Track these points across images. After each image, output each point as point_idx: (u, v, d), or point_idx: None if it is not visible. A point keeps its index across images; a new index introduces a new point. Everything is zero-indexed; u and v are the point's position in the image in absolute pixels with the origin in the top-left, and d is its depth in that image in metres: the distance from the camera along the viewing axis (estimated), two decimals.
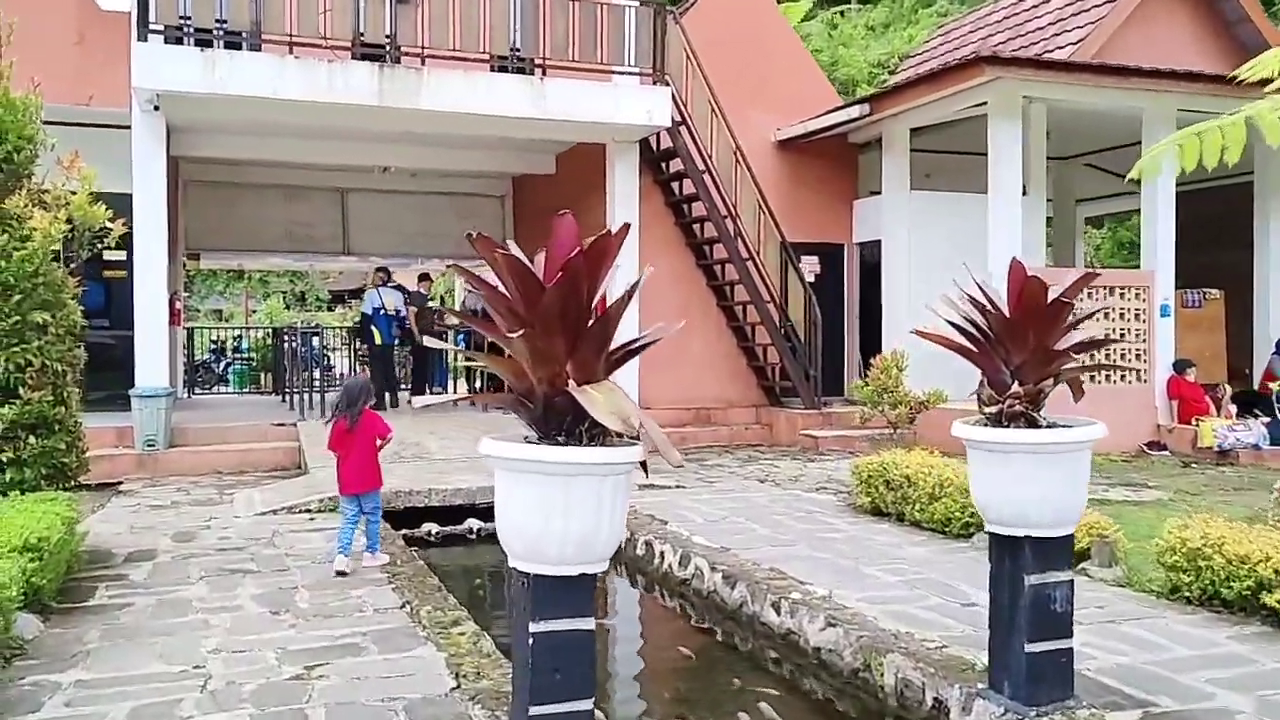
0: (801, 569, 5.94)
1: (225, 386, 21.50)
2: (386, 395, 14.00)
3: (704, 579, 6.15)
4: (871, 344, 14.34)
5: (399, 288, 14.84)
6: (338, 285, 34.35)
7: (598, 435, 3.36)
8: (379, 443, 6.65)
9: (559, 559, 3.27)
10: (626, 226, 3.65)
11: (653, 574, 6.81)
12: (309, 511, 8.14)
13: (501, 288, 3.46)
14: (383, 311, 14.22)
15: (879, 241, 13.25)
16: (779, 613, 5.37)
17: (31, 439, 5.85)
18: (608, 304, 3.53)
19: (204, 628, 4.97)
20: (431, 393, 13.88)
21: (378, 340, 14.03)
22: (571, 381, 3.33)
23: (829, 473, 9.99)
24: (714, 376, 13.07)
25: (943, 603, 5.29)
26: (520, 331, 3.33)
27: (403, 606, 5.36)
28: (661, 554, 6.74)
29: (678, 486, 9.06)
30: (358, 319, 16.06)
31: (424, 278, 13.61)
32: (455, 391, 15.21)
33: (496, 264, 3.41)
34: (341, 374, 18.95)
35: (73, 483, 6.35)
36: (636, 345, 3.67)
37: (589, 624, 3.33)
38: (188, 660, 4.48)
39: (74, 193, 6.24)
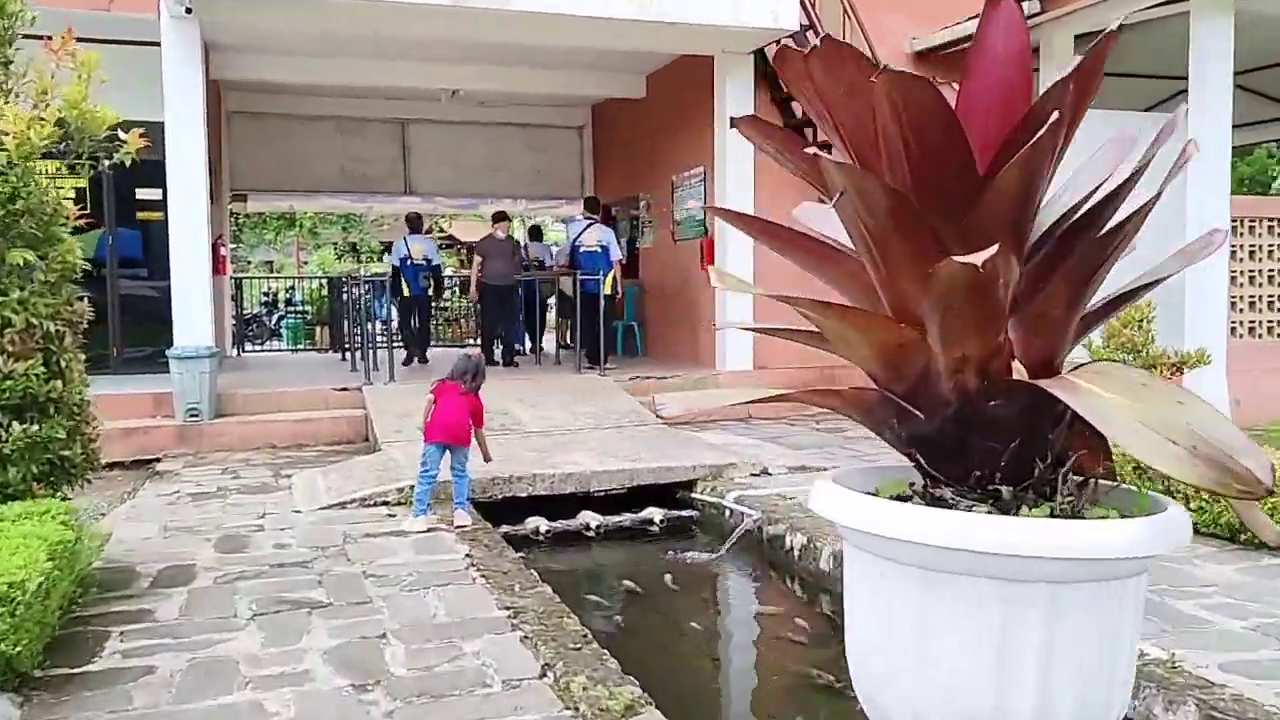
0: None
1: (278, 342, 20.08)
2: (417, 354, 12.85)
3: None
4: None
5: (429, 233, 13.60)
6: (391, 234, 32.84)
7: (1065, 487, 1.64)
8: (478, 430, 6.05)
9: None
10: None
11: None
12: (386, 504, 6.49)
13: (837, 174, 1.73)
14: (409, 261, 12.82)
15: None
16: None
17: (15, 425, 4.19)
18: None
19: (257, 717, 3.31)
20: (513, 351, 12.17)
21: (405, 292, 12.68)
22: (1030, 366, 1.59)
23: None
24: None
25: None
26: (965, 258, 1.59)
27: (542, 674, 3.66)
28: None
29: (835, 468, 7.27)
30: (389, 271, 14.57)
31: (500, 216, 11.81)
32: (533, 347, 13.46)
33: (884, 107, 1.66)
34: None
35: (80, 481, 4.70)
36: (1136, 288, 1.91)
37: None
38: None
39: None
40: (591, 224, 11.51)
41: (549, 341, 14.39)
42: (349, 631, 4.11)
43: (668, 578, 5.66)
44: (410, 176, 15.24)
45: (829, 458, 7.77)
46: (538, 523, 6.54)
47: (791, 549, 5.62)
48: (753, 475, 7.09)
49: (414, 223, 13.62)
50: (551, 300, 16.29)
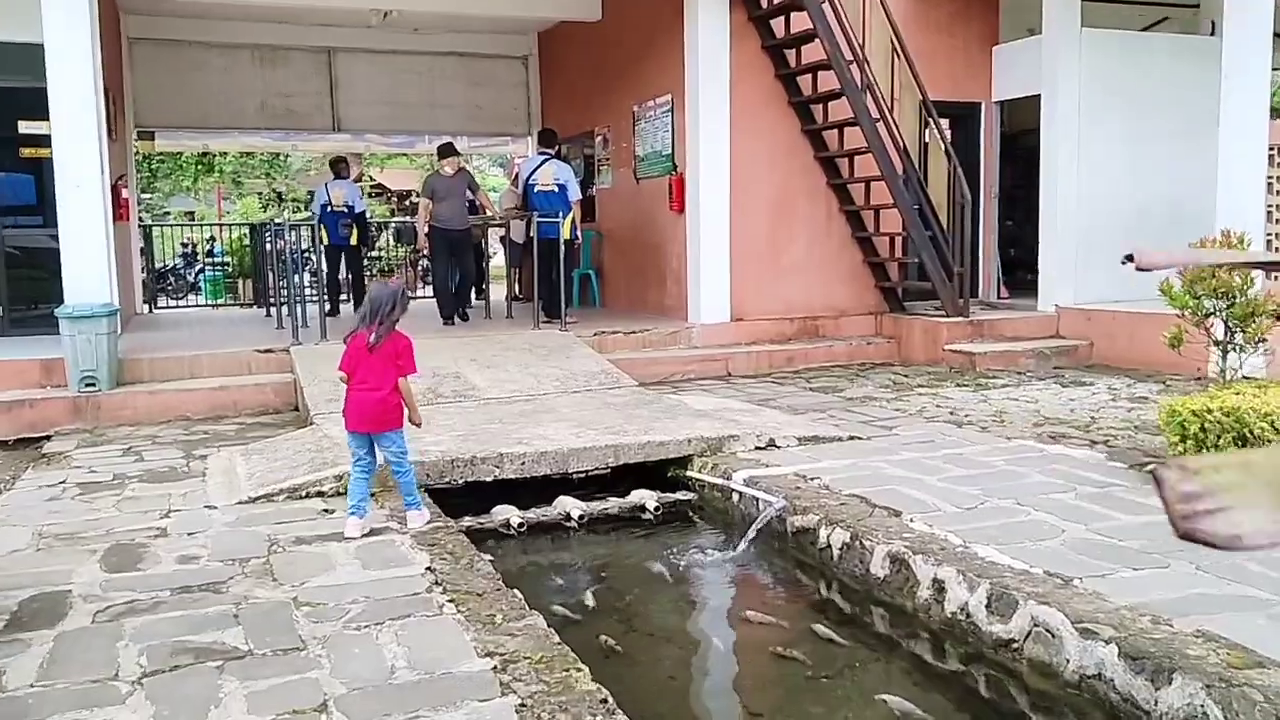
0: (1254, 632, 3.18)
1: (199, 296, 18.48)
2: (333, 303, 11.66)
3: (1059, 647, 3.37)
4: (1016, 238, 11.47)
5: (357, 180, 12.34)
6: (319, 181, 30.83)
7: None
8: (403, 380, 4.75)
9: None
10: None
11: (917, 615, 4.03)
12: (321, 494, 5.33)
13: None
14: (330, 207, 11.81)
15: (1034, 100, 10.25)
16: None
17: None
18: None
19: None
20: (466, 304, 10.89)
21: (324, 241, 11.50)
22: None
23: (1036, 407, 7.20)
24: (822, 277, 10.19)
25: None
26: None
27: None
28: (937, 585, 3.94)
29: (852, 438, 6.25)
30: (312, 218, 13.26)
31: (448, 150, 10.37)
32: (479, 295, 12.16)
33: None
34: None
35: None
36: None
37: None
38: None
39: None
40: (547, 160, 10.26)
41: (496, 293, 13.15)
42: (275, 701, 2.97)
43: (679, 589, 4.61)
44: (339, 112, 13.77)
45: (837, 424, 6.74)
46: (509, 513, 5.43)
47: (829, 547, 4.57)
48: (758, 449, 6.03)
49: (337, 167, 12.51)
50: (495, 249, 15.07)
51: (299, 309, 9.48)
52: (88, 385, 7.76)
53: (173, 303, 16.63)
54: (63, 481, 5.88)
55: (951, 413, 7.10)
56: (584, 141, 12.96)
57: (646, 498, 5.66)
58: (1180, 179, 9.81)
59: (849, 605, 4.35)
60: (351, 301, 12.09)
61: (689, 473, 5.90)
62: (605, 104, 11.99)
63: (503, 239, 13.10)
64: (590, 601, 4.44)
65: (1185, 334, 5.22)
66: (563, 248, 9.58)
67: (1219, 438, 4.72)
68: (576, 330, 9.50)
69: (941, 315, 9.68)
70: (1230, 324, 4.87)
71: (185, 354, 8.58)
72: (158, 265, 19.97)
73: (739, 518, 5.37)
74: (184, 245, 21.71)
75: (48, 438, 7.41)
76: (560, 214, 9.67)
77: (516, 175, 11.14)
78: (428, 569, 4.13)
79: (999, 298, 11.03)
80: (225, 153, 26.52)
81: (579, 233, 10.33)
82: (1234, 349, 5.05)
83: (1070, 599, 3.52)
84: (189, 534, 4.73)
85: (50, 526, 4.89)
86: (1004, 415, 6.95)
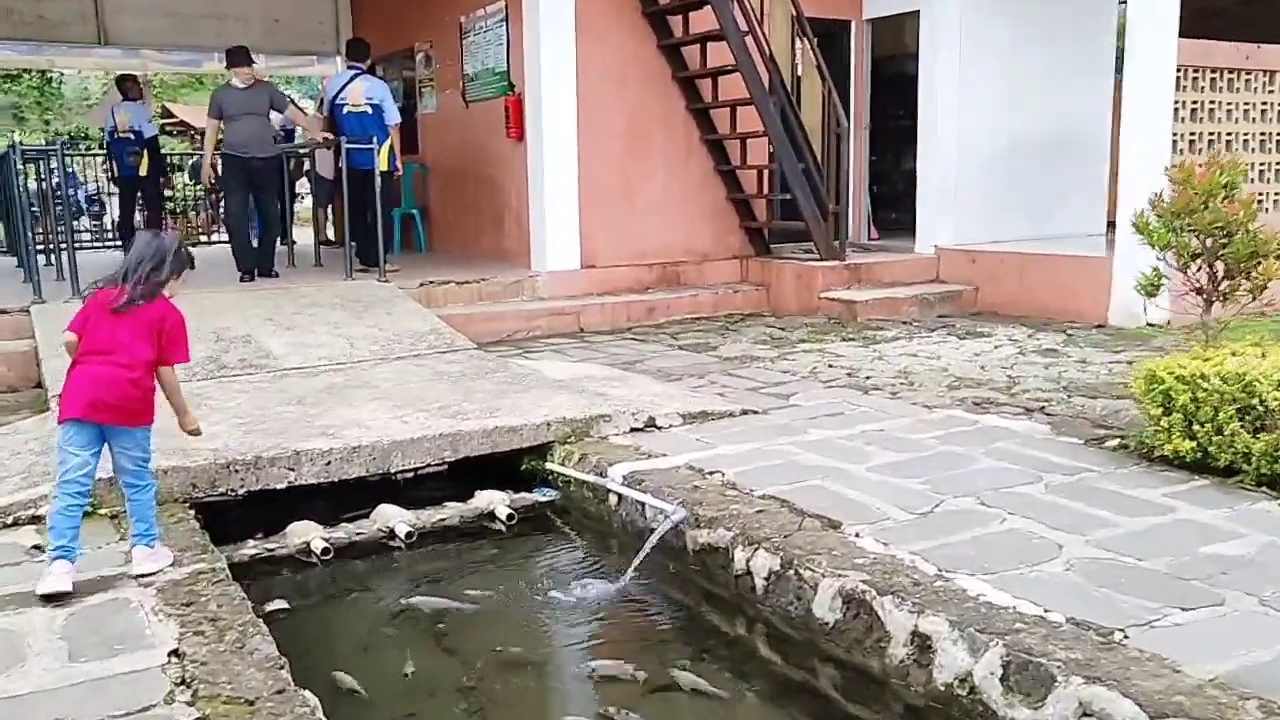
0: None
1: None
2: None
3: None
4: (890, 173, 10.54)
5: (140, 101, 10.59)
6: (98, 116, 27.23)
7: None
8: (166, 370, 3.32)
9: None
10: None
11: (890, 682, 2.88)
12: (36, 520, 3.79)
13: None
14: (116, 134, 10.25)
15: (908, 18, 9.27)
16: None
17: None
18: None
19: None
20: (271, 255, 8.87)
21: (115, 174, 10.31)
22: None
23: (940, 364, 6.23)
24: (683, 217, 8.98)
25: None
26: None
27: None
28: (920, 642, 2.79)
29: (745, 412, 5.09)
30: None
31: (239, 56, 8.35)
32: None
33: None
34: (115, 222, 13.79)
35: None
36: None
37: None
38: None
39: None
40: (358, 75, 8.61)
41: (301, 237, 11.38)
42: None
43: (547, 647, 3.35)
44: (104, 22, 11.56)
45: (722, 393, 5.58)
46: (309, 534, 4.03)
47: (748, 575, 3.39)
48: (634, 430, 4.80)
49: (124, 85, 10.63)
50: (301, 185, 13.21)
51: (61, 258, 7.60)
52: None
53: None
54: None
55: (849, 374, 6.04)
56: (402, 62, 11.30)
57: (496, 502, 4.36)
58: (1072, 111, 9.05)
59: (787, 661, 3.18)
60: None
61: (550, 465, 4.62)
62: (426, 16, 10.38)
63: (307, 173, 11.34)
64: (410, 668, 3.12)
65: (1163, 280, 4.24)
66: (379, 181, 8.01)
67: (1217, 411, 3.76)
68: (398, 280, 8.01)
69: (814, 259, 8.65)
70: (1231, 266, 3.91)
71: None
72: None
73: (618, 525, 4.14)
74: None
75: None
76: (375, 140, 8.08)
77: (322, 99, 9.44)
78: (173, 655, 2.73)
79: (869, 239, 10.11)
80: None
81: (399, 164, 8.76)
82: (1221, 299, 4.10)
83: (1126, 669, 2.44)
84: None
85: None
86: (909, 376, 5.94)
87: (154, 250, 3.31)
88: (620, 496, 4.13)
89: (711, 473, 4.10)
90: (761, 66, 8.33)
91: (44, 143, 25.58)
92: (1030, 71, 8.90)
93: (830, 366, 6.27)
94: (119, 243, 12.24)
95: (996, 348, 6.78)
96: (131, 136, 10.31)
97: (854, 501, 3.69)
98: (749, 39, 8.20)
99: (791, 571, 3.22)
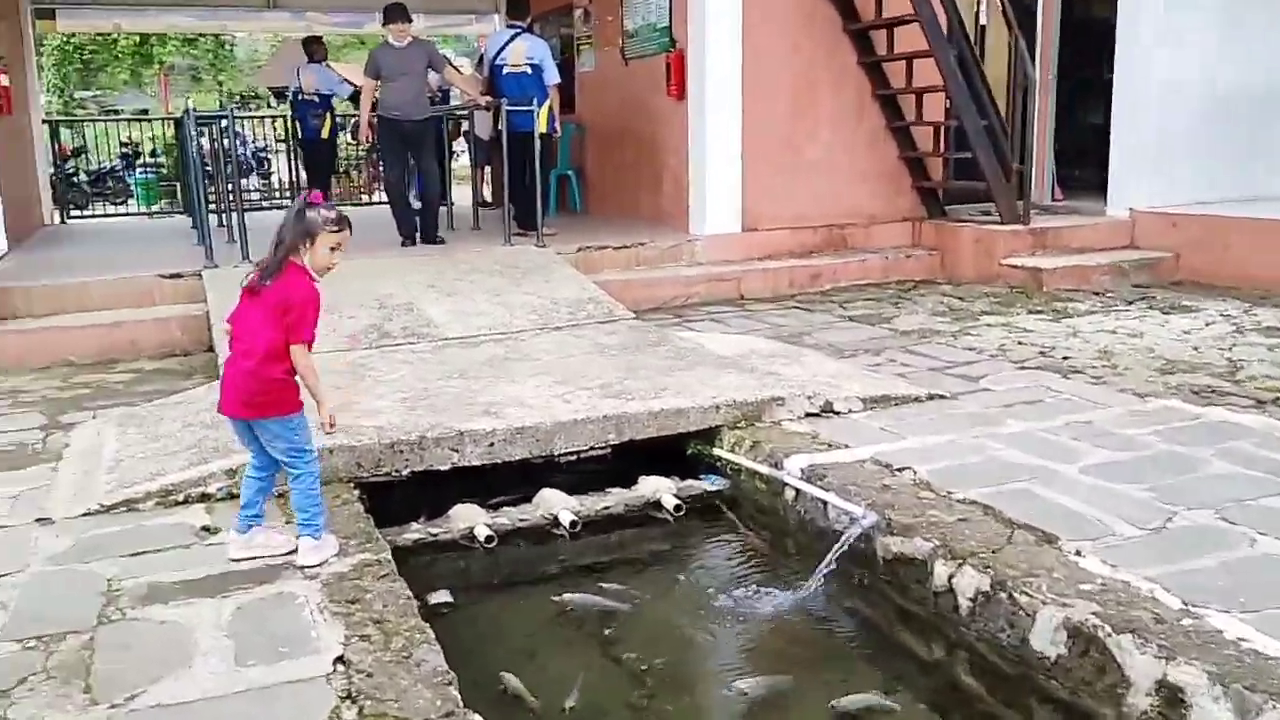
0: None
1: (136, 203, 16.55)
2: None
3: None
4: (1077, 128, 9.77)
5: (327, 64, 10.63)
6: (271, 77, 28.06)
7: None
8: (295, 351, 3.05)
9: None
10: None
11: None
12: (206, 499, 3.76)
13: None
14: (300, 96, 10.31)
15: None
16: None
17: None
18: None
19: None
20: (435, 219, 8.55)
21: (299, 135, 10.46)
22: None
23: (1146, 343, 5.66)
24: (849, 177, 8.50)
25: None
26: None
27: None
28: (1169, 695, 2.40)
29: (932, 397, 4.69)
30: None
31: (397, 12, 7.99)
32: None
33: None
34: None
35: None
36: None
37: None
38: None
39: None
40: (518, 34, 8.41)
41: (460, 198, 11.36)
42: None
43: (726, 666, 3.10)
44: None
45: (905, 372, 5.19)
46: (473, 519, 3.88)
47: (951, 593, 3.04)
48: (810, 415, 4.47)
49: (310, 48, 10.72)
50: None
51: (234, 220, 7.67)
52: None
53: (98, 211, 14.70)
54: None
55: (1042, 353, 5.55)
56: (560, 19, 11.07)
57: (662, 490, 4.12)
58: None
59: (995, 697, 2.84)
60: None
61: (719, 451, 4.35)
62: None
63: (466, 134, 11.27)
64: (573, 701, 2.90)
65: None
66: (538, 143, 7.82)
67: None
68: (556, 245, 7.84)
69: (995, 222, 8.06)
70: None
71: (70, 281, 6.88)
72: (95, 167, 18.10)
73: (795, 523, 3.84)
74: (124, 145, 19.70)
75: None
76: (535, 101, 7.88)
77: (481, 58, 9.29)
78: (339, 662, 2.58)
79: (1054, 200, 9.41)
80: (165, 42, 24.19)
81: (557, 124, 8.56)
82: None
83: None
84: None
85: None
86: (1111, 357, 5.41)
87: (284, 220, 3.10)
88: (798, 491, 3.82)
89: (901, 469, 3.75)
90: (941, 15, 7.75)
91: (219, 103, 26.69)
92: (1246, 19, 8.03)
93: (1020, 344, 5.78)
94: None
95: (1208, 325, 6.14)
96: (316, 99, 10.42)
97: (1069, 510, 3.29)
98: None
99: (1004, 594, 2.86)
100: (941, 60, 7.66)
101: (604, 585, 3.54)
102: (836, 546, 3.36)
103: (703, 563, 3.80)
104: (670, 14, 8.52)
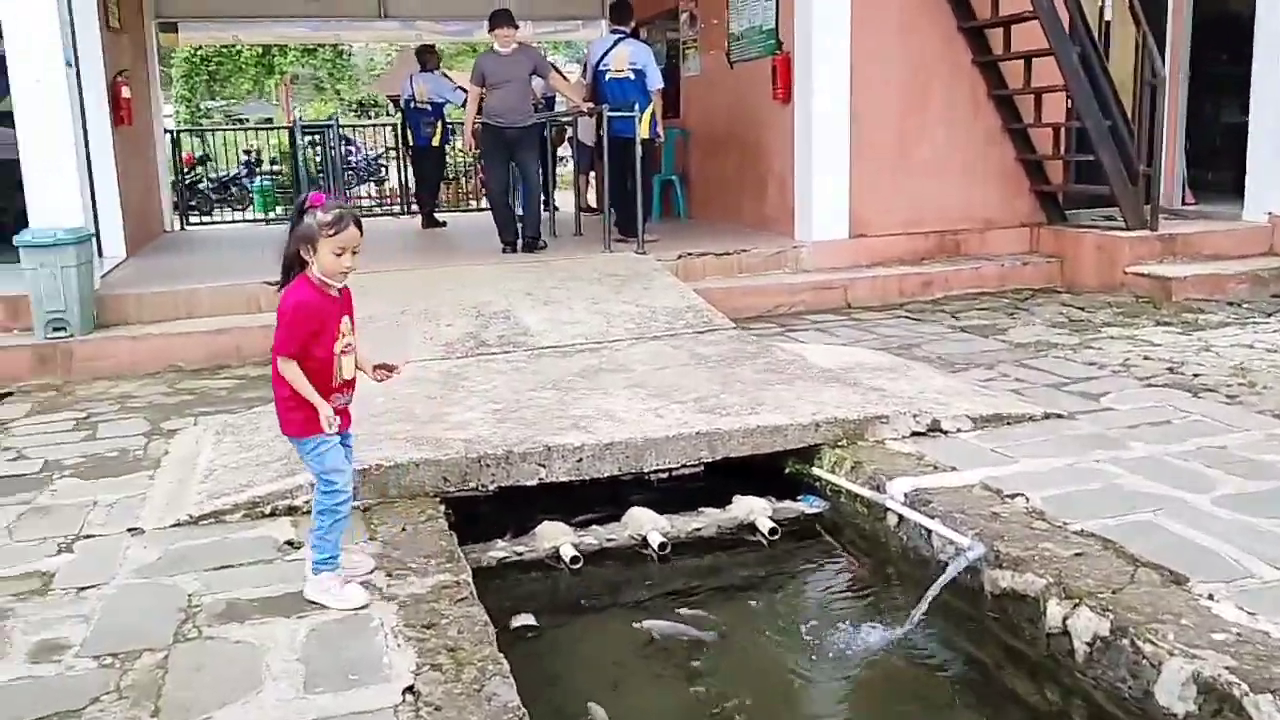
0: None
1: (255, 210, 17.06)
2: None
3: None
4: (1208, 128, 9.23)
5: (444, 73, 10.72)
6: (389, 84, 28.58)
7: None
8: (279, 361, 2.90)
9: None
10: None
11: None
12: (293, 511, 3.73)
13: None
14: (414, 103, 10.42)
15: None
16: None
17: None
18: None
19: None
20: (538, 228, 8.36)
21: (410, 142, 10.59)
22: None
23: None
24: (963, 181, 8.17)
25: None
26: None
27: None
28: None
29: (1048, 416, 4.40)
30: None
31: (502, 19, 8.00)
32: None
33: None
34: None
35: None
36: None
37: None
38: None
39: None
40: (621, 40, 8.32)
41: (562, 204, 11.32)
42: None
43: (847, 714, 2.91)
44: None
45: (1020, 388, 4.89)
46: (559, 539, 3.76)
47: (1066, 635, 2.79)
48: (916, 434, 4.23)
49: (423, 57, 10.86)
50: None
51: None
52: (56, 330, 6.30)
53: (217, 218, 15.18)
54: None
55: (1170, 369, 5.18)
56: (666, 23, 10.96)
57: (757, 511, 3.94)
58: None
59: None
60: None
61: (818, 471, 4.14)
62: None
63: (569, 139, 11.24)
64: None
65: None
66: (640, 149, 7.70)
67: None
68: (657, 251, 7.71)
69: (1119, 227, 7.63)
70: None
71: (180, 288, 7.03)
72: (219, 174, 18.78)
73: (898, 550, 3.62)
74: (246, 153, 20.38)
75: (9, 394, 5.98)
76: (637, 107, 7.77)
77: (585, 64, 9.23)
78: (408, 692, 2.48)
79: (1184, 204, 8.88)
80: (286, 52, 24.93)
81: (660, 130, 8.42)
82: None
83: None
84: (80, 589, 3.16)
85: None
86: (1248, 374, 5.01)
87: (290, 229, 2.92)
88: (900, 517, 3.60)
89: (1012, 495, 3.49)
90: (1063, 11, 7.37)
91: (338, 111, 27.41)
92: None
93: (1146, 359, 5.41)
94: (408, 210, 12.72)
95: None
96: (428, 107, 10.53)
97: (1200, 547, 3.00)
98: None
99: (1125, 641, 2.60)
100: (1062, 58, 7.28)
101: (692, 612, 3.38)
102: (940, 579, 3.13)
103: (798, 591, 3.61)
104: (777, 16, 8.31)
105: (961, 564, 3.11)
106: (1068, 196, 8.32)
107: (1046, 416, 4.38)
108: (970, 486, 3.61)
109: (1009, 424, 4.30)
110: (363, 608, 2.92)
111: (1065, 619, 2.80)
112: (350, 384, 3.00)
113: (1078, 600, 2.79)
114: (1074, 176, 8.26)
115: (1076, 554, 3.01)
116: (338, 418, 2.87)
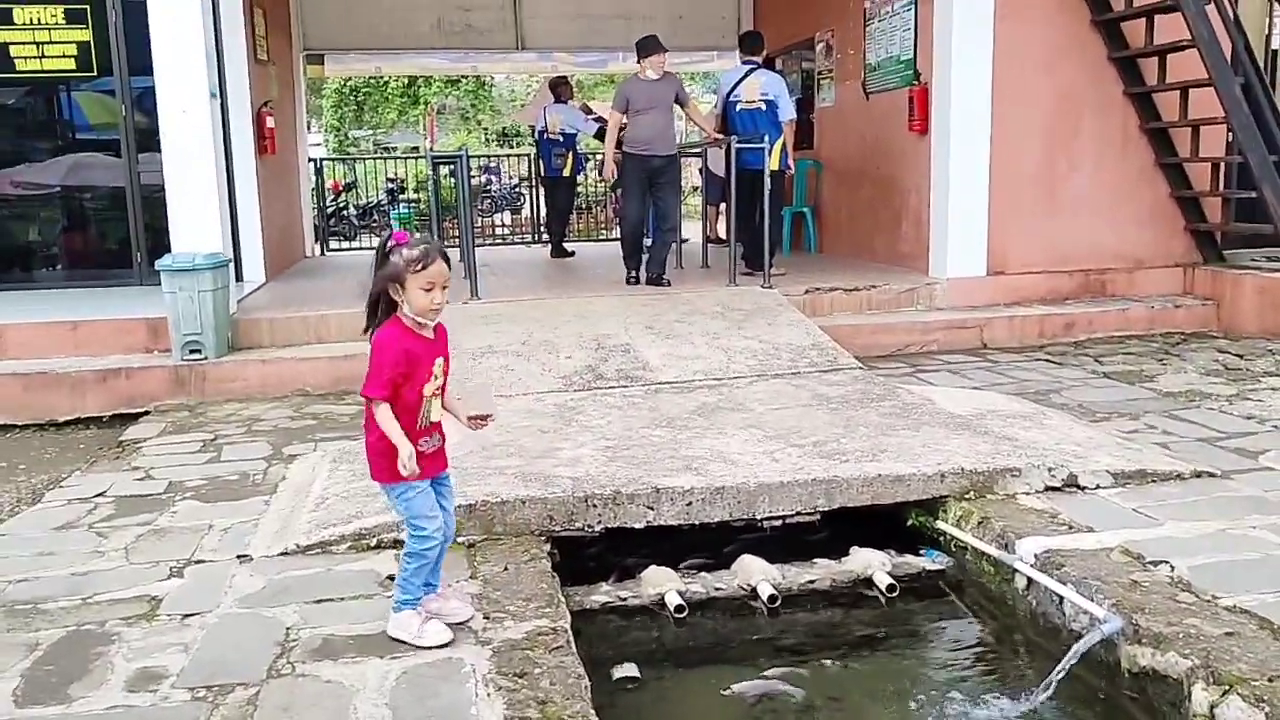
0: None
1: None
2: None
3: None
4: None
5: (585, 106, 10.75)
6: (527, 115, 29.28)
7: None
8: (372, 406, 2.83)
9: None
10: None
11: None
12: (398, 544, 3.65)
13: None
14: (546, 135, 10.49)
15: None
16: None
17: None
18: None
19: None
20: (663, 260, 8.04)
21: (542, 173, 10.76)
22: None
23: None
24: (1111, 217, 7.75)
25: None
26: None
27: None
28: None
29: (1199, 474, 4.05)
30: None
31: (651, 46, 7.77)
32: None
33: None
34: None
35: None
36: None
37: None
38: None
39: None
40: (753, 70, 8.19)
41: (689, 232, 11.22)
42: None
43: None
44: (522, 28, 12.16)
45: (1168, 442, 4.54)
46: (666, 584, 3.62)
47: None
48: (1050, 489, 3.95)
49: (556, 89, 10.98)
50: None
51: (470, 257, 7.82)
52: (192, 352, 6.50)
53: (358, 244, 15.68)
54: (101, 493, 4.52)
55: None
56: (801, 53, 10.80)
57: (874, 565, 3.72)
58: None
59: None
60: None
61: (942, 525, 3.90)
62: (829, 3, 9.78)
63: (700, 170, 11.17)
64: None
65: None
66: (769, 181, 7.55)
67: None
68: (784, 285, 7.52)
69: None
70: None
71: (310, 313, 7.19)
72: (363, 202, 19.47)
73: (1026, 616, 3.36)
74: (390, 181, 21.07)
75: (145, 413, 6.21)
76: (768, 138, 7.62)
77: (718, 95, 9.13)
78: None
79: None
80: (430, 83, 25.71)
81: (790, 162, 8.25)
82: None
83: None
84: (185, 616, 3.18)
85: (18, 585, 3.46)
86: None
87: (376, 267, 2.80)
88: (1030, 580, 3.33)
89: (1156, 563, 3.20)
90: (1225, 39, 6.92)
91: (482, 142, 28.11)
92: None
93: None
94: (538, 239, 12.88)
95: None
96: (560, 138, 10.60)
97: None
98: (1210, 6, 6.83)
99: None
100: (1223, 89, 6.83)
101: (798, 672, 3.19)
102: (1072, 652, 2.87)
103: (917, 655, 3.38)
104: (915, 46, 8.07)
105: (1096, 637, 2.85)
106: (1226, 235, 7.81)
107: (1197, 475, 4.03)
108: (1108, 550, 3.32)
109: (1154, 482, 3.97)
110: (442, 645, 2.85)
111: (1213, 707, 2.51)
112: (437, 426, 2.90)
113: (1228, 686, 2.50)
114: (1235, 215, 7.73)
115: (1227, 633, 2.72)
116: (416, 462, 2.77)
